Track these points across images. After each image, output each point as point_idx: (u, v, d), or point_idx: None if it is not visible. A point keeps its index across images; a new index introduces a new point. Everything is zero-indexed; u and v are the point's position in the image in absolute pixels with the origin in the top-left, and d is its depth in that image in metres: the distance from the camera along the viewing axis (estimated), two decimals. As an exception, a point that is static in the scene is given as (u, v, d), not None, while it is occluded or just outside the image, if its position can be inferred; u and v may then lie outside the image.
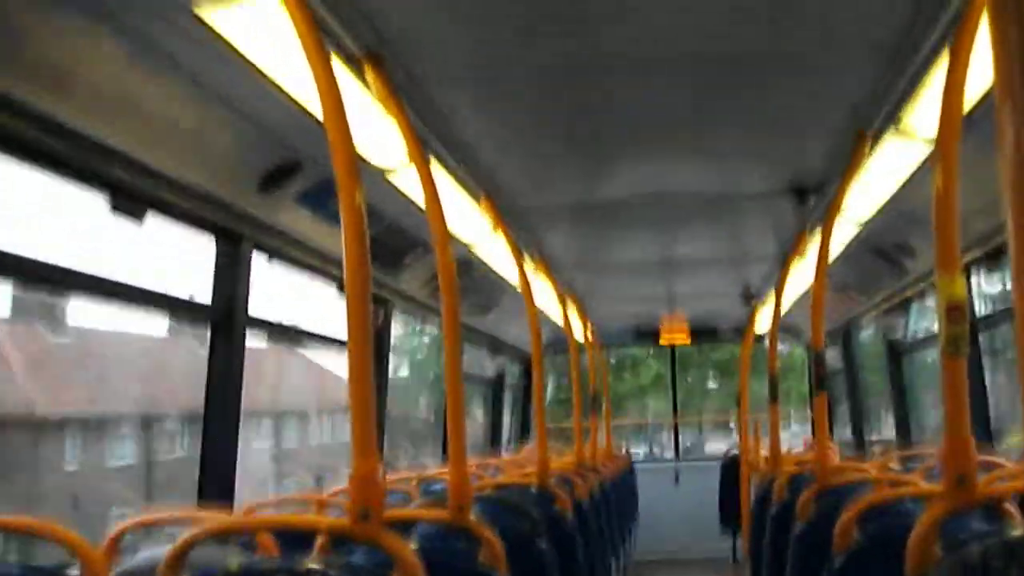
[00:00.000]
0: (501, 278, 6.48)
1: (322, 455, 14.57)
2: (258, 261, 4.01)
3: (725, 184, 4.93)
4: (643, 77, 3.38)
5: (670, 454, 14.31)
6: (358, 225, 2.19)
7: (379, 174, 3.89)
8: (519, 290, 4.81)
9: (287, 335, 5.42)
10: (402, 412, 13.88)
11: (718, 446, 17.30)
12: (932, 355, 7.30)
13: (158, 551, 2.45)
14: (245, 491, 3.56)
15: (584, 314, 8.53)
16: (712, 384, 32.32)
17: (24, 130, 2.57)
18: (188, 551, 2.20)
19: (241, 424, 3.96)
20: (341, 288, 2.21)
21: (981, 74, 2.17)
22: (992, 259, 4.56)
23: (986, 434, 5.33)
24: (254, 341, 4.09)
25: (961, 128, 2.26)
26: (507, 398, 10.74)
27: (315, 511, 3.96)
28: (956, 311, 2.14)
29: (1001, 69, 1.22)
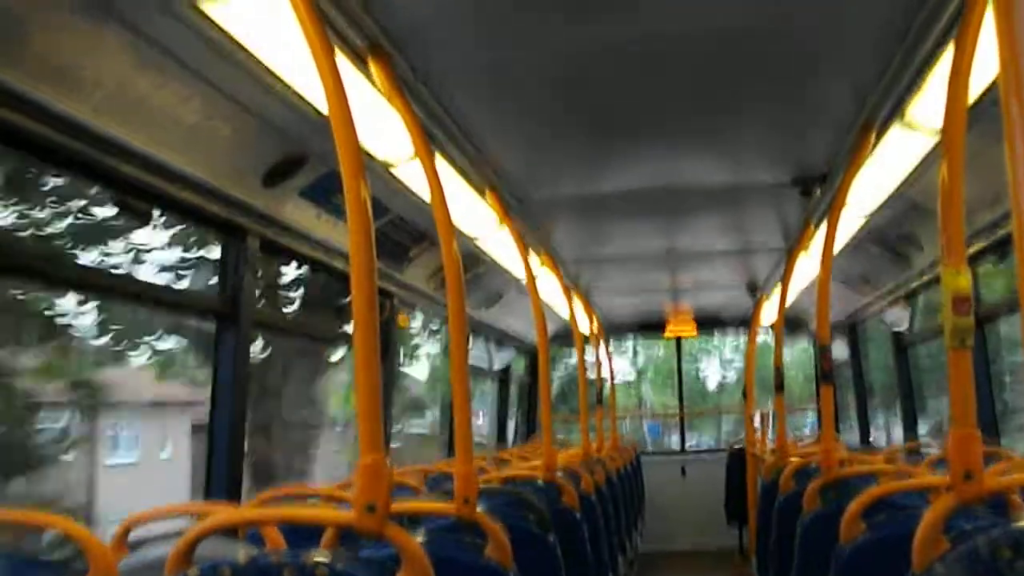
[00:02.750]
0: (507, 271, 6.48)
1: None
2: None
3: (731, 176, 4.92)
4: (649, 69, 3.38)
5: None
6: (363, 219, 2.19)
7: (384, 168, 3.89)
8: (525, 283, 4.81)
9: (293, 330, 5.44)
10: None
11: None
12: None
13: (166, 544, 2.46)
14: None
15: (590, 306, 8.53)
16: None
17: (30, 127, 2.57)
18: (196, 544, 2.21)
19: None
20: (347, 283, 2.20)
21: (986, 65, 2.16)
22: (997, 250, 4.55)
23: (992, 426, 5.33)
24: None
25: (966, 119, 2.25)
26: (513, 392, 10.73)
27: (322, 504, 3.97)
28: (962, 303, 2.14)
29: (1006, 59, 1.22)
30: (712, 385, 29.37)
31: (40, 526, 2.54)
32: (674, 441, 14.90)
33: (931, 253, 5.38)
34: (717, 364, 29.31)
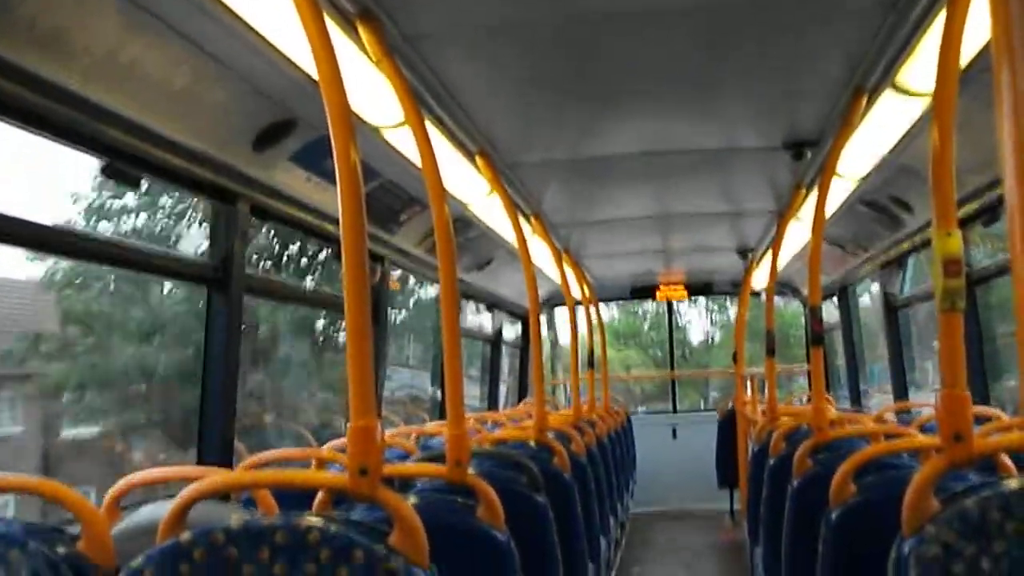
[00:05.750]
0: (498, 235, 6.48)
1: None
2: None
3: (722, 139, 4.91)
4: (639, 32, 3.36)
5: None
6: (353, 183, 2.19)
7: (374, 132, 3.87)
8: (516, 247, 4.81)
9: (285, 294, 5.42)
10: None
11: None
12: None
13: (159, 509, 2.47)
14: None
15: (581, 270, 8.53)
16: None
17: (18, 92, 2.55)
18: (188, 508, 2.22)
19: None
20: (338, 246, 2.20)
21: (978, 29, 2.16)
22: (988, 213, 4.56)
23: (982, 388, 5.36)
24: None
25: (957, 84, 2.25)
26: (505, 356, 10.75)
27: (314, 468, 3.99)
28: (952, 265, 2.15)
29: (999, 24, 1.21)
30: (698, 343, 27.53)
31: (31, 492, 2.54)
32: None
33: (922, 216, 5.39)
34: (706, 314, 27.25)
